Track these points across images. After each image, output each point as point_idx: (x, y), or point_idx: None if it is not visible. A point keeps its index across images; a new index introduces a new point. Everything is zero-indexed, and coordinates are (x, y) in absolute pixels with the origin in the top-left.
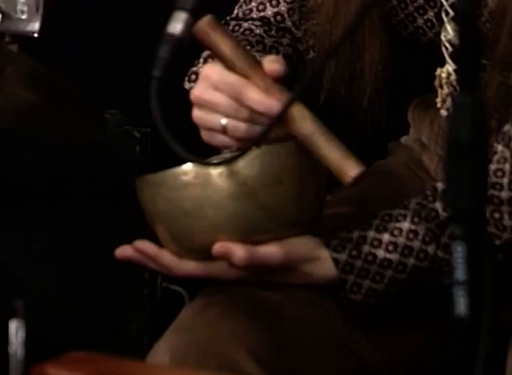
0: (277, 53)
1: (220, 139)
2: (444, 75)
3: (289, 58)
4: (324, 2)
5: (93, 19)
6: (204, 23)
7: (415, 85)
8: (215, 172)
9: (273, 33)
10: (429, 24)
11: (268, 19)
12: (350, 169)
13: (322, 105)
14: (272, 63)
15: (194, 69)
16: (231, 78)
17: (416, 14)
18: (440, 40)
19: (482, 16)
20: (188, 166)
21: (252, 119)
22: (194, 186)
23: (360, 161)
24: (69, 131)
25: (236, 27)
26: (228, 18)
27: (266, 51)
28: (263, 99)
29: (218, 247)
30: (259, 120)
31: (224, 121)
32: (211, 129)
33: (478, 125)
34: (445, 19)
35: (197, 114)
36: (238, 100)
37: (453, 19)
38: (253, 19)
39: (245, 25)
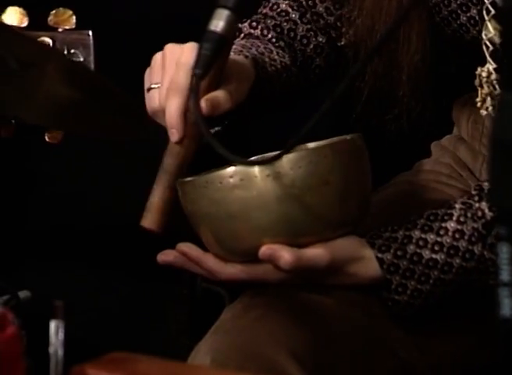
0: (308, 44)
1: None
2: (484, 74)
3: (320, 49)
4: None
5: (135, 15)
6: None
7: (457, 84)
8: (261, 174)
9: (308, 16)
10: (472, 22)
11: (301, 2)
12: (150, 219)
13: (366, 98)
14: (206, 100)
15: (239, 25)
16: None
17: (459, 11)
18: (481, 38)
19: None
20: (234, 168)
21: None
22: (240, 188)
23: (163, 223)
24: (109, 129)
25: (274, 6)
26: None
27: (297, 40)
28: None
29: (264, 249)
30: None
31: (155, 86)
32: (148, 76)
33: None
34: (486, 17)
35: (157, 58)
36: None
37: (494, 18)
38: (286, 3)
39: (282, 6)
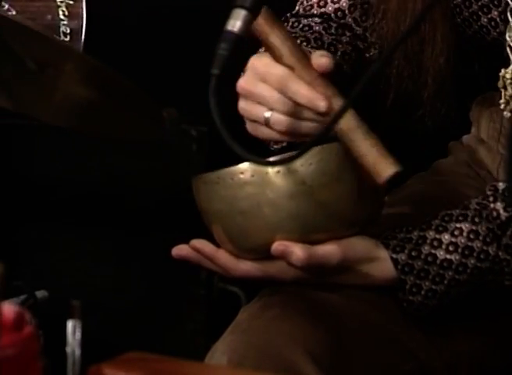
0: (335, 51)
1: (263, 131)
2: (508, 76)
3: (347, 56)
4: None
5: (148, 17)
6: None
7: (479, 84)
8: (273, 170)
9: (333, 30)
10: (493, 23)
11: (329, 15)
12: (385, 169)
13: (391, 103)
14: (319, 57)
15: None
16: (277, 70)
17: (480, 13)
18: (505, 40)
19: None
20: (245, 165)
21: (295, 113)
22: (252, 184)
23: (397, 161)
24: (127, 130)
25: (296, 24)
26: (288, 15)
27: (324, 48)
28: (307, 92)
29: (276, 245)
30: (303, 115)
31: (268, 114)
32: (255, 121)
33: None
34: (510, 19)
35: (242, 105)
36: (283, 92)
37: None
38: (313, 15)
39: (304, 21)
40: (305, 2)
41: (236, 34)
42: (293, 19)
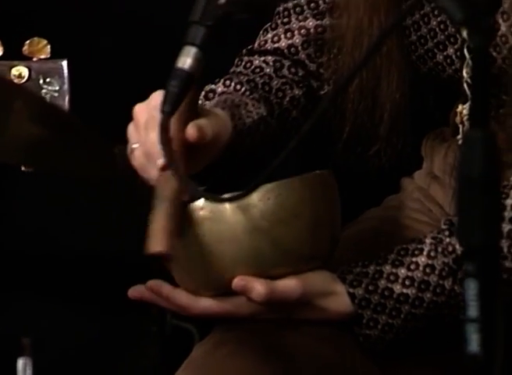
0: (284, 96)
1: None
2: (466, 111)
3: (296, 101)
4: (345, 33)
5: (110, 43)
6: None
7: (434, 120)
8: (231, 207)
9: (284, 71)
10: (449, 60)
11: (282, 50)
12: (155, 243)
13: (346, 136)
14: (189, 127)
15: (213, 87)
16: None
17: (436, 50)
18: (460, 76)
19: (502, 53)
20: (203, 202)
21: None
22: (210, 221)
23: (171, 244)
24: (78, 167)
25: (248, 64)
26: (244, 51)
27: (272, 93)
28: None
29: (237, 281)
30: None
31: (135, 146)
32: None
33: (489, 161)
34: (467, 55)
35: (131, 127)
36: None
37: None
38: (267, 50)
39: (256, 62)
40: (262, 37)
41: (187, 72)
42: (246, 59)
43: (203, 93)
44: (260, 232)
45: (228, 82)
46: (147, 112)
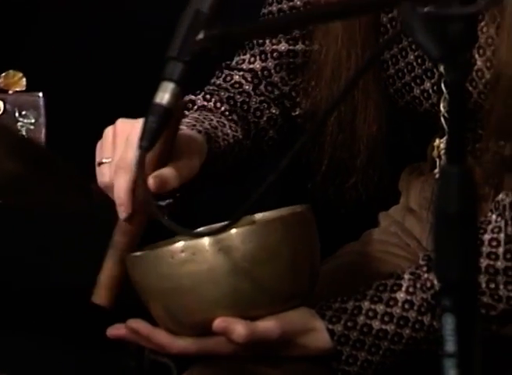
0: (261, 116)
1: (97, 168)
2: (443, 145)
3: (273, 121)
4: (323, 66)
5: (85, 76)
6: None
7: (410, 153)
8: (212, 248)
9: (262, 88)
10: (425, 95)
11: (257, 72)
12: (100, 295)
13: (324, 169)
14: (153, 176)
15: (193, 97)
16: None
17: (413, 84)
18: (436, 111)
19: (477, 87)
20: (183, 243)
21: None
22: (191, 263)
23: (112, 298)
24: (55, 202)
25: (228, 78)
26: (223, 64)
27: (250, 113)
28: (121, 198)
29: (218, 322)
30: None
31: (106, 160)
32: (99, 150)
33: (466, 196)
34: (444, 90)
35: (108, 133)
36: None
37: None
38: (243, 69)
39: (236, 77)
40: (241, 55)
41: (165, 107)
42: (226, 72)
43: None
44: (241, 274)
45: (208, 97)
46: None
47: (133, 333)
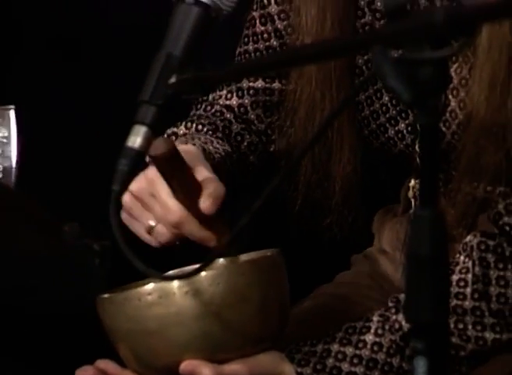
0: (242, 141)
1: (144, 236)
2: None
3: (253, 146)
4: (298, 107)
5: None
6: (163, 150)
7: (385, 194)
8: (180, 291)
9: (241, 119)
10: (400, 135)
11: (233, 108)
12: (215, 236)
13: (299, 208)
14: (205, 201)
15: (175, 129)
16: (171, 205)
17: (388, 125)
18: (410, 151)
19: (451, 128)
20: (152, 285)
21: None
22: (159, 305)
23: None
24: (25, 245)
25: (209, 107)
26: (200, 100)
27: (231, 137)
28: (199, 234)
29: (184, 365)
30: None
31: (152, 223)
32: (138, 222)
33: (438, 239)
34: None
35: (130, 204)
36: (174, 226)
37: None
38: (220, 105)
39: (217, 107)
40: (217, 92)
41: (137, 151)
42: (206, 103)
43: (165, 135)
44: (209, 317)
45: (189, 124)
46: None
47: (102, 374)
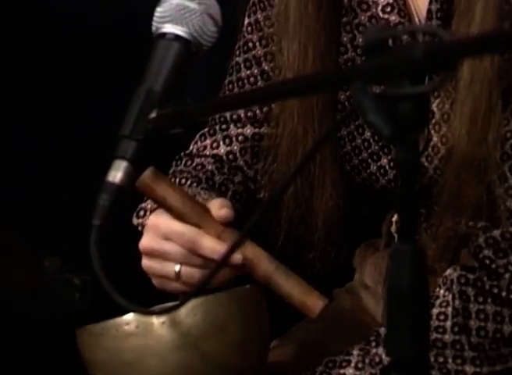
0: (227, 190)
1: (174, 286)
2: None
3: (238, 195)
4: (280, 142)
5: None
6: (146, 178)
7: (367, 229)
8: (157, 321)
9: (225, 170)
10: (382, 171)
11: (221, 157)
12: (313, 304)
13: (281, 244)
14: (219, 210)
15: (143, 205)
16: (180, 228)
17: (370, 160)
18: (393, 187)
19: (433, 163)
20: (130, 316)
21: (205, 265)
22: (136, 336)
23: (321, 294)
24: (5, 280)
25: (189, 162)
26: (182, 154)
27: (215, 188)
28: (217, 247)
29: None
30: (212, 265)
31: (177, 268)
32: (164, 276)
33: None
34: None
35: (148, 263)
36: (191, 249)
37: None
38: (206, 155)
39: (197, 160)
40: (199, 143)
41: (117, 185)
42: (186, 158)
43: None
44: (186, 348)
45: (172, 180)
46: (163, 236)
47: None
